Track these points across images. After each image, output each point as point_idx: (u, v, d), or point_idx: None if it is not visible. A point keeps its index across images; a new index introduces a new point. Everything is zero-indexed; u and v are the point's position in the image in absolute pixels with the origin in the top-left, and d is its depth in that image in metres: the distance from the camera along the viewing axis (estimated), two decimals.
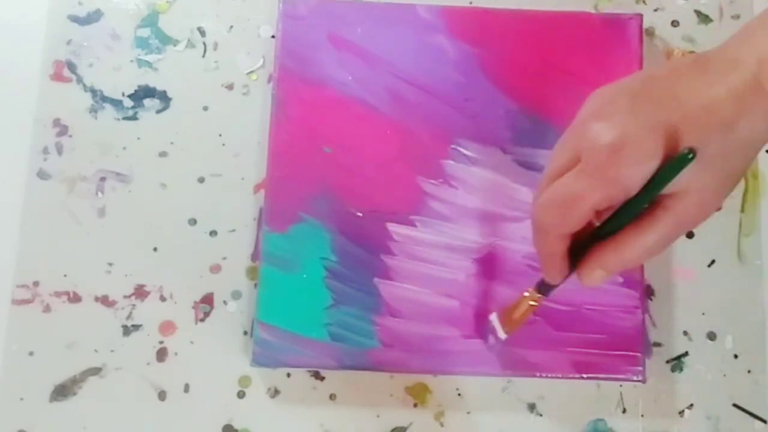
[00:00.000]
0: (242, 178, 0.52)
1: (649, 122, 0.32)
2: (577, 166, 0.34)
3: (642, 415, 0.49)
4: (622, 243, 0.35)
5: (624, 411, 0.49)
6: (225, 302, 0.50)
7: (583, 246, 0.37)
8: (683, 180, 0.33)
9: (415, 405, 0.49)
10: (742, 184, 0.52)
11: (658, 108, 0.33)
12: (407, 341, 0.48)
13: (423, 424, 0.49)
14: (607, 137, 0.33)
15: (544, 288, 0.41)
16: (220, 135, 0.53)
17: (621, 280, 0.48)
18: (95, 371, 0.50)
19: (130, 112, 0.53)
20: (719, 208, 0.35)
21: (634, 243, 0.35)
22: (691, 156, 0.32)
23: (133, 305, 0.50)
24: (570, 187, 0.34)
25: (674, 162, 0.32)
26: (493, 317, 0.46)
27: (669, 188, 0.33)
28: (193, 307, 0.50)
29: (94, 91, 0.53)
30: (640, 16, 0.52)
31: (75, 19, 0.54)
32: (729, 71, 0.33)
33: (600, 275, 0.36)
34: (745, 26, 0.35)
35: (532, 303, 0.42)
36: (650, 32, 0.54)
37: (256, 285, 0.50)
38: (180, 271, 0.51)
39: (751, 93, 0.32)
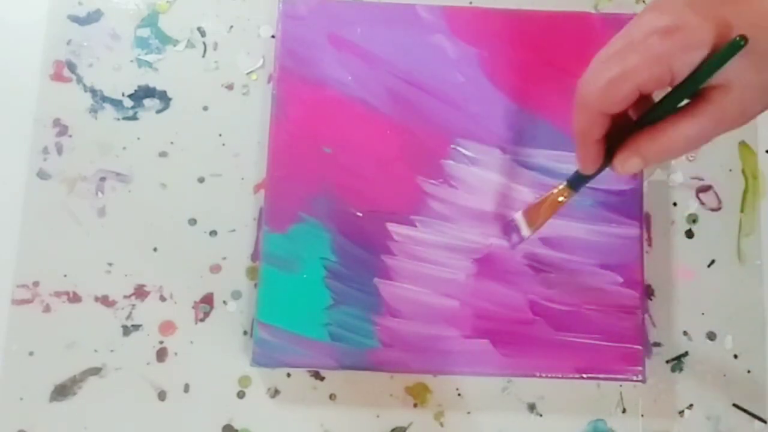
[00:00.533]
0: (242, 178, 0.52)
1: (704, 13, 0.33)
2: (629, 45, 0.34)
3: (642, 415, 0.49)
4: (661, 130, 0.35)
5: (624, 411, 0.49)
6: (225, 302, 0.51)
7: (620, 140, 0.36)
8: (729, 73, 0.33)
9: (415, 405, 0.49)
10: (742, 184, 0.52)
11: (715, 4, 0.33)
12: (407, 341, 0.48)
13: (423, 424, 0.49)
14: (661, 21, 0.33)
15: (575, 182, 0.41)
16: (220, 135, 0.53)
17: (621, 280, 0.48)
18: (95, 371, 0.50)
19: (130, 112, 0.53)
20: (761, 113, 0.35)
21: (673, 131, 0.35)
22: (742, 43, 0.32)
23: (133, 305, 0.50)
24: (618, 62, 0.34)
25: (724, 49, 0.33)
26: (518, 215, 0.46)
27: (714, 80, 0.33)
28: (193, 307, 0.50)
29: (94, 91, 0.53)
30: None
31: (75, 19, 0.54)
32: None
33: (635, 163, 0.36)
34: None
35: (561, 199, 0.42)
36: None
37: (256, 285, 0.50)
38: (180, 271, 0.51)
39: None
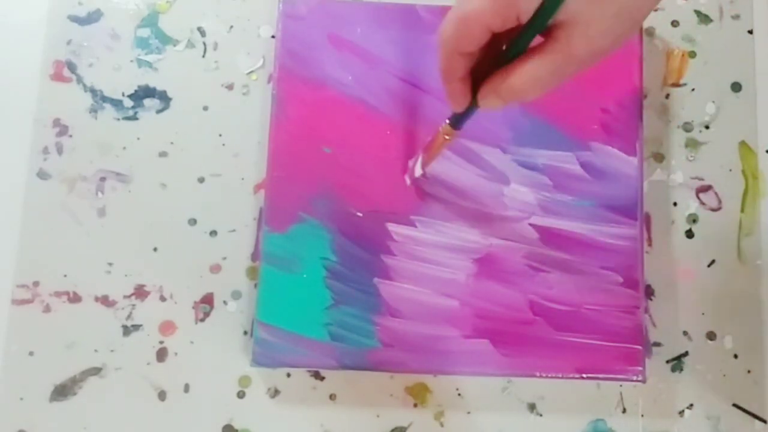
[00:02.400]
0: (242, 178, 0.52)
1: None
2: None
3: (642, 415, 0.49)
4: (512, 69, 0.35)
5: (624, 411, 0.49)
6: (225, 302, 0.51)
7: (485, 77, 0.37)
8: (572, 8, 0.33)
9: (415, 405, 0.49)
10: (742, 184, 0.52)
11: None
12: (407, 341, 0.48)
13: (423, 424, 0.49)
14: None
15: (454, 120, 0.42)
16: (220, 135, 0.53)
17: (621, 280, 0.48)
18: (95, 371, 0.50)
19: (130, 112, 0.53)
20: (611, 51, 0.35)
21: (521, 70, 0.35)
22: None
23: (133, 305, 0.50)
24: (467, 4, 0.34)
25: None
26: (413, 160, 0.48)
27: (560, 16, 0.33)
28: (193, 307, 0.50)
29: (94, 91, 0.53)
30: None
31: (75, 19, 0.54)
32: None
33: (493, 101, 0.37)
34: None
35: (446, 137, 0.43)
36: (650, 32, 0.54)
37: (256, 285, 0.50)
38: (180, 271, 0.51)
39: None
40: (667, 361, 0.50)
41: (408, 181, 0.49)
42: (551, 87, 0.36)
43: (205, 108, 0.53)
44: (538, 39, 0.34)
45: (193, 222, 0.51)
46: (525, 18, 0.34)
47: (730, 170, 0.52)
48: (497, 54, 0.36)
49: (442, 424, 0.49)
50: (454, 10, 0.35)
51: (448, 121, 0.42)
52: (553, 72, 0.35)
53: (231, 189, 0.52)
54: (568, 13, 0.33)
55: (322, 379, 0.50)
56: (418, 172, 0.48)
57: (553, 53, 0.34)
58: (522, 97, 0.37)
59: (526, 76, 0.35)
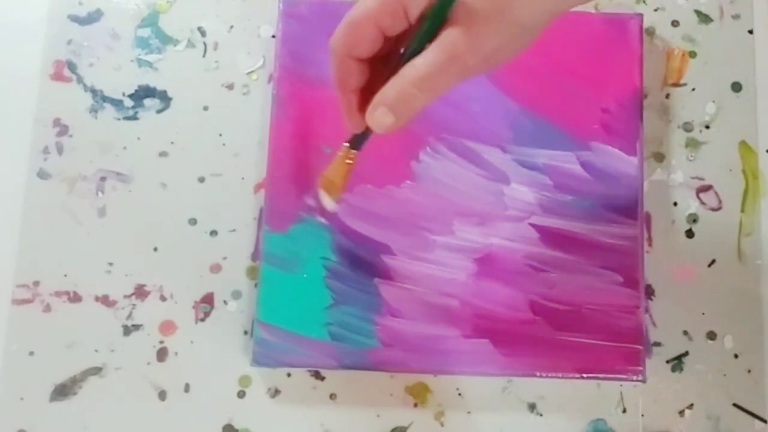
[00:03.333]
0: (242, 178, 0.52)
1: None
2: None
3: (642, 415, 0.49)
4: (398, 74, 0.34)
5: (624, 411, 0.49)
6: (225, 302, 0.51)
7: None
8: (462, 11, 0.33)
9: (416, 405, 0.49)
10: (742, 184, 0.52)
11: None
12: (407, 341, 0.48)
13: (423, 424, 0.49)
14: None
15: (354, 141, 0.39)
16: (220, 135, 0.53)
17: (621, 280, 0.48)
18: (95, 371, 0.50)
19: (131, 112, 0.53)
20: (503, 58, 0.35)
21: (406, 71, 0.34)
22: None
23: (134, 305, 0.50)
24: (359, 4, 0.34)
25: None
26: (321, 192, 0.42)
27: (450, 18, 0.33)
28: (193, 307, 0.50)
29: (94, 91, 0.53)
30: (641, 15, 0.52)
31: (75, 18, 0.54)
32: None
33: (382, 113, 0.35)
34: None
35: (348, 162, 0.40)
36: (650, 32, 0.54)
37: (256, 285, 0.50)
38: (180, 271, 0.51)
39: None
40: (667, 361, 0.50)
41: (321, 220, 0.47)
42: (440, 89, 0.34)
43: (206, 108, 0.53)
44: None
45: (193, 222, 0.51)
46: (412, 18, 0.33)
47: (731, 170, 0.52)
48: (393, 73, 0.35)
49: (442, 424, 0.49)
50: (346, 15, 0.35)
51: (347, 144, 0.40)
52: (435, 71, 0.34)
53: (231, 189, 0.52)
54: (458, 14, 0.33)
55: (323, 379, 0.50)
56: (330, 206, 0.42)
57: (435, 51, 0.33)
58: (411, 104, 0.35)
59: (411, 77, 0.34)
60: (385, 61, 0.36)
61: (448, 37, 0.33)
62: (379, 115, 0.35)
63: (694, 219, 0.52)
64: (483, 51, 0.34)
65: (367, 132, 0.38)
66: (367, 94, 0.36)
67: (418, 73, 0.34)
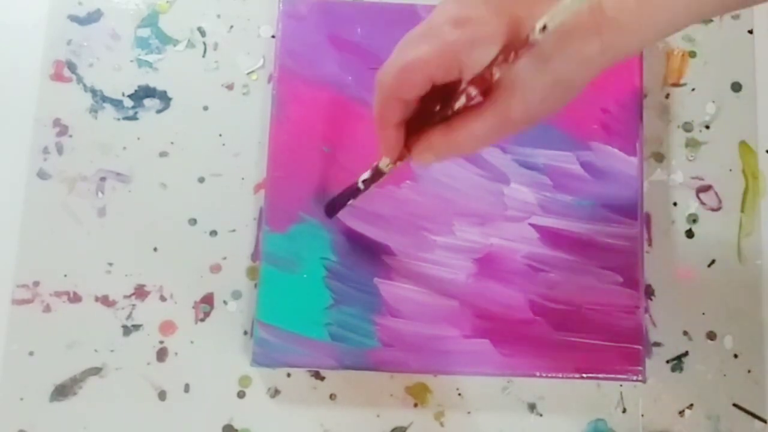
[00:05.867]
0: (242, 178, 0.52)
1: (497, 8, 0.33)
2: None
3: (642, 415, 0.49)
4: (450, 126, 0.36)
5: (624, 411, 0.49)
6: (225, 302, 0.51)
7: (417, 128, 0.37)
8: (514, 74, 0.34)
9: (415, 405, 0.49)
10: (742, 184, 0.52)
11: (510, 1, 0.34)
12: (407, 341, 0.48)
13: (423, 424, 0.49)
14: (456, 11, 0.34)
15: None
16: (220, 135, 0.53)
17: (621, 280, 0.48)
18: (95, 371, 0.50)
19: (130, 112, 0.53)
20: (547, 115, 0.36)
21: (462, 129, 0.35)
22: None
23: (133, 305, 0.50)
24: (412, 49, 0.34)
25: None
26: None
27: (502, 80, 0.34)
28: (193, 307, 0.50)
29: (94, 91, 0.53)
30: None
31: (75, 19, 0.54)
32: None
33: (428, 157, 0.37)
34: None
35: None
36: None
37: (256, 285, 0.50)
38: (180, 271, 0.51)
39: (589, 11, 0.33)
40: (667, 361, 0.50)
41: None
42: (487, 145, 0.37)
43: (205, 108, 0.53)
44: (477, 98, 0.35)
45: (193, 222, 0.51)
46: (469, 73, 0.34)
47: (730, 170, 0.52)
48: (431, 108, 0.36)
49: (442, 424, 0.49)
50: (398, 55, 0.35)
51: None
52: (488, 132, 0.35)
53: (231, 189, 0.52)
54: (510, 77, 0.34)
55: (322, 379, 0.50)
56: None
57: (491, 115, 0.35)
58: (458, 154, 0.38)
59: (466, 135, 0.35)
60: (424, 99, 0.36)
61: (503, 102, 0.34)
62: (426, 158, 0.38)
63: (694, 219, 0.52)
64: (535, 116, 0.35)
65: (399, 159, 0.39)
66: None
67: (473, 135, 0.35)
